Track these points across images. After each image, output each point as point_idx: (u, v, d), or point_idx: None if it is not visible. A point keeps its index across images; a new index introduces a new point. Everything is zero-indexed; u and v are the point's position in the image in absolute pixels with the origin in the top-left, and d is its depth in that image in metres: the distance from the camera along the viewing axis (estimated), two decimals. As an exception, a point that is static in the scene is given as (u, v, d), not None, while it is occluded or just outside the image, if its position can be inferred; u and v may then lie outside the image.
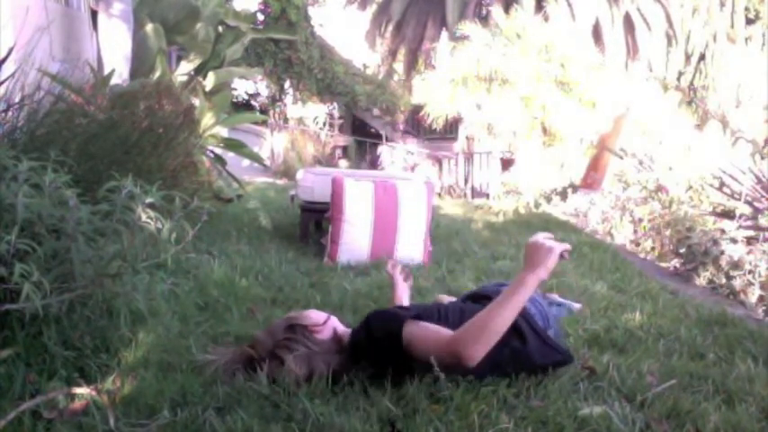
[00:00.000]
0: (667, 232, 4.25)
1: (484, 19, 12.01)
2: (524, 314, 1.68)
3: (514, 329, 1.59)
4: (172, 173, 2.96)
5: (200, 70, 8.60)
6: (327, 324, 1.71)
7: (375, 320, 1.65)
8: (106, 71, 4.65)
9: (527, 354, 1.64)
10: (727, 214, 4.16)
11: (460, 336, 1.47)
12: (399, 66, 17.00)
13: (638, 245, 4.66)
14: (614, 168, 6.86)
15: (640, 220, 4.78)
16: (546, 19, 9.33)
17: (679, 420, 1.49)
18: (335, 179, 3.58)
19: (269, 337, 1.67)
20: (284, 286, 2.80)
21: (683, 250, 3.82)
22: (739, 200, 4.13)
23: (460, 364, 1.45)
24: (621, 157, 6.52)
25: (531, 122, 8.23)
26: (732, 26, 14.27)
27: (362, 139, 15.06)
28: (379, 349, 1.59)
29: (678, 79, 14.05)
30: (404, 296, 2.33)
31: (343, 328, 1.75)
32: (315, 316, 1.73)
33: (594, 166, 7.76)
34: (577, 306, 2.57)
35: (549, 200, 7.48)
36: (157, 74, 5.83)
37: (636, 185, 5.53)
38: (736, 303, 3.06)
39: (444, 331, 1.54)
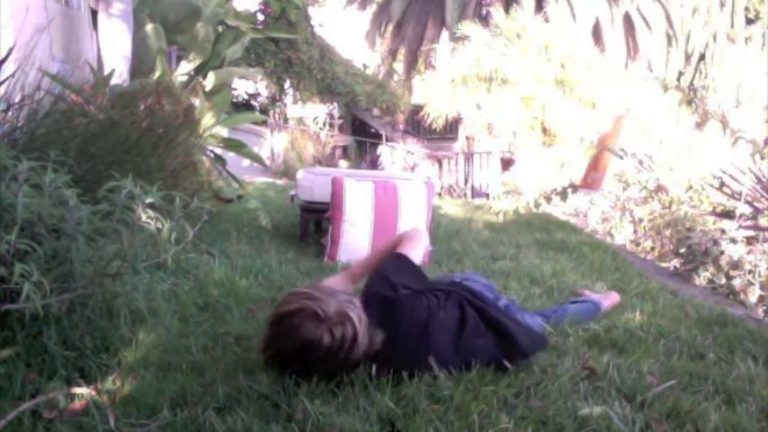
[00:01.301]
0: (667, 232, 4.25)
1: (484, 19, 11.99)
2: (478, 296, 1.86)
3: (475, 310, 1.76)
4: (172, 173, 2.95)
5: (200, 70, 8.57)
6: None
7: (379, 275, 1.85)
8: (106, 71, 4.64)
9: (503, 324, 1.75)
10: (727, 214, 4.16)
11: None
12: (399, 66, 17.00)
13: (638, 245, 4.66)
14: (614, 168, 6.84)
15: (640, 220, 4.78)
16: (546, 19, 9.32)
17: (679, 420, 1.49)
18: (335, 179, 3.58)
19: (329, 296, 1.59)
20: (284, 286, 2.79)
21: (683, 250, 3.82)
22: (739, 200, 4.13)
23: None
24: (621, 157, 6.51)
25: (531, 122, 8.22)
26: (732, 26, 14.28)
27: (362, 139, 15.06)
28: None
29: (678, 79, 14.05)
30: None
31: None
32: None
33: (594, 166, 7.74)
34: (600, 299, 2.54)
35: (549, 200, 7.47)
36: (157, 74, 5.81)
37: (636, 185, 5.52)
38: (736, 303, 3.06)
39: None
